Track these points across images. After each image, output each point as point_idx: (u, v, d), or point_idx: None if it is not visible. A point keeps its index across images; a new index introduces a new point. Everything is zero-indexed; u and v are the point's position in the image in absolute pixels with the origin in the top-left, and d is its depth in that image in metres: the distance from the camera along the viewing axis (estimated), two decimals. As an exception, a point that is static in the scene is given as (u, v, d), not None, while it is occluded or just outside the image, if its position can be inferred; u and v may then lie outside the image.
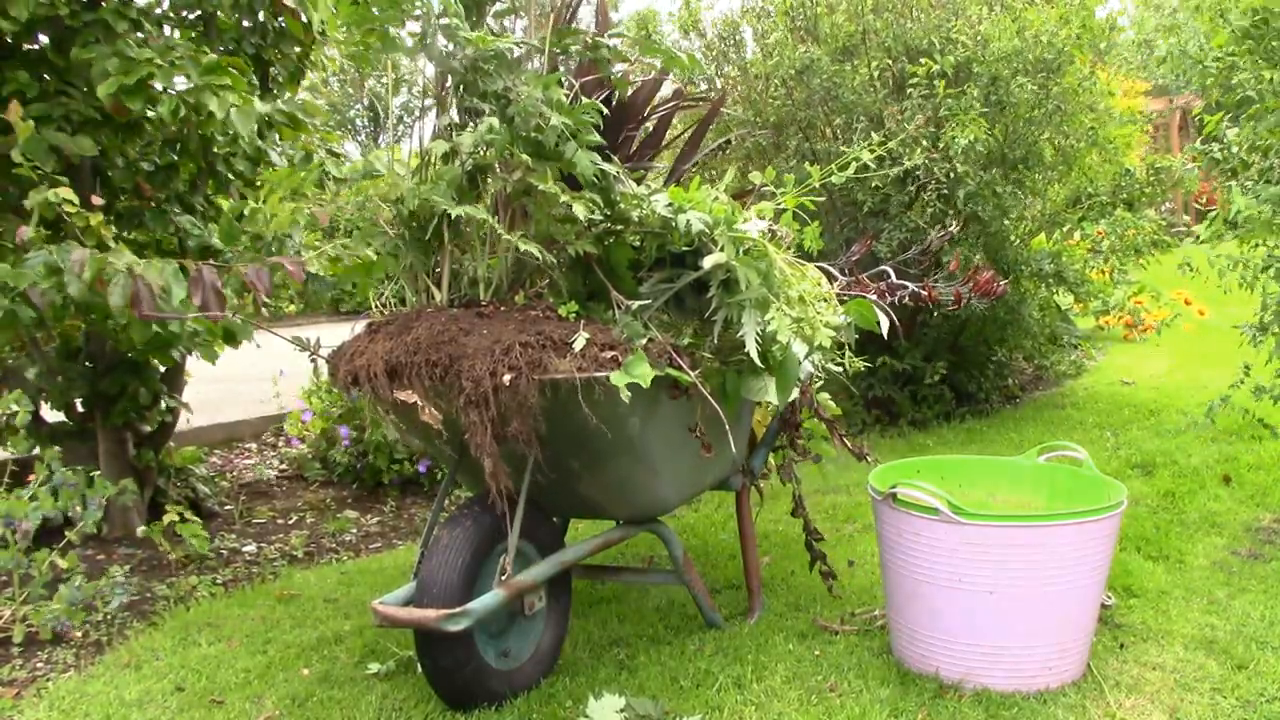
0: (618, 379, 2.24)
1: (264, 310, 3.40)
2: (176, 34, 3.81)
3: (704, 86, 6.21)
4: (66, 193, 2.88)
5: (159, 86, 3.08)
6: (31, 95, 3.31)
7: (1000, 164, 5.27)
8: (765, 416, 3.29)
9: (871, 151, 3.20)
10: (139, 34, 3.42)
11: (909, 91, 5.24)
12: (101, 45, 3.19)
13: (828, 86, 5.45)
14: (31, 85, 3.31)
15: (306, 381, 5.08)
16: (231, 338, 3.73)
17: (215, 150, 3.97)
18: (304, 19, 3.96)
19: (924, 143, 5.03)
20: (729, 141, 5.65)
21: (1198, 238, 4.12)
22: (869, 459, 3.20)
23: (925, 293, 3.29)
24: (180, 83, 3.24)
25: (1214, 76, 3.86)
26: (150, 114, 3.31)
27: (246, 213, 4.03)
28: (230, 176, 4.10)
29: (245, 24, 3.77)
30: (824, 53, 5.51)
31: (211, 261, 2.74)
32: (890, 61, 5.44)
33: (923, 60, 5.13)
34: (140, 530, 3.93)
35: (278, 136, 4.32)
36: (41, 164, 3.18)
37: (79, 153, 3.25)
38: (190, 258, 3.77)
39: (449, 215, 2.51)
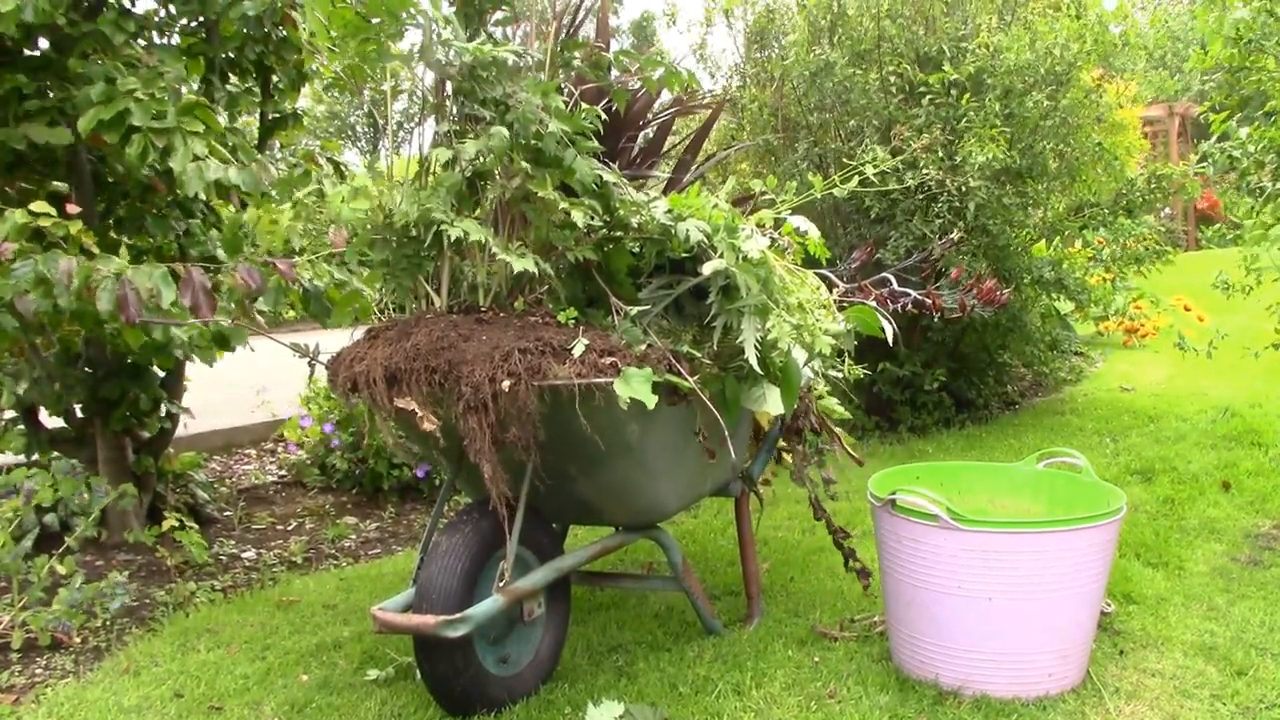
0: (621, 392, 2.24)
1: (259, 318, 3.40)
2: (177, 40, 3.81)
3: (722, 80, 6.23)
4: (41, 206, 2.88)
5: (136, 123, 3.08)
6: (28, 93, 3.32)
7: (1008, 176, 5.28)
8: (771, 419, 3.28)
9: (876, 166, 3.20)
10: (139, 43, 3.43)
11: (922, 101, 5.25)
12: (96, 64, 3.19)
13: (839, 91, 5.46)
14: (28, 86, 3.32)
15: (302, 388, 5.08)
16: (224, 342, 3.73)
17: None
18: (303, 31, 3.97)
19: (938, 152, 5.04)
20: (732, 143, 5.66)
21: (1234, 238, 4.07)
22: (830, 489, 3.22)
23: (929, 300, 3.29)
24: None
25: (1234, 73, 3.82)
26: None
27: (246, 217, 4.04)
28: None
29: (248, 32, 3.78)
30: (840, 55, 5.51)
31: (204, 266, 2.75)
32: (907, 66, 5.46)
33: (943, 68, 5.14)
34: (130, 536, 3.92)
35: (277, 144, 4.33)
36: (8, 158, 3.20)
37: (55, 143, 3.25)
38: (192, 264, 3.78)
39: (451, 224, 2.51)
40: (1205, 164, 4.09)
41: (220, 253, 3.90)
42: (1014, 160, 5.09)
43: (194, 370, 4.35)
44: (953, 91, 5.16)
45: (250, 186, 3.14)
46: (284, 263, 2.74)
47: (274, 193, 3.46)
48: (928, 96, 5.24)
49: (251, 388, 6.06)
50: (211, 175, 3.08)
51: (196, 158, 3.09)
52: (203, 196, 3.36)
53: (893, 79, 5.49)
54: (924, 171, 4.94)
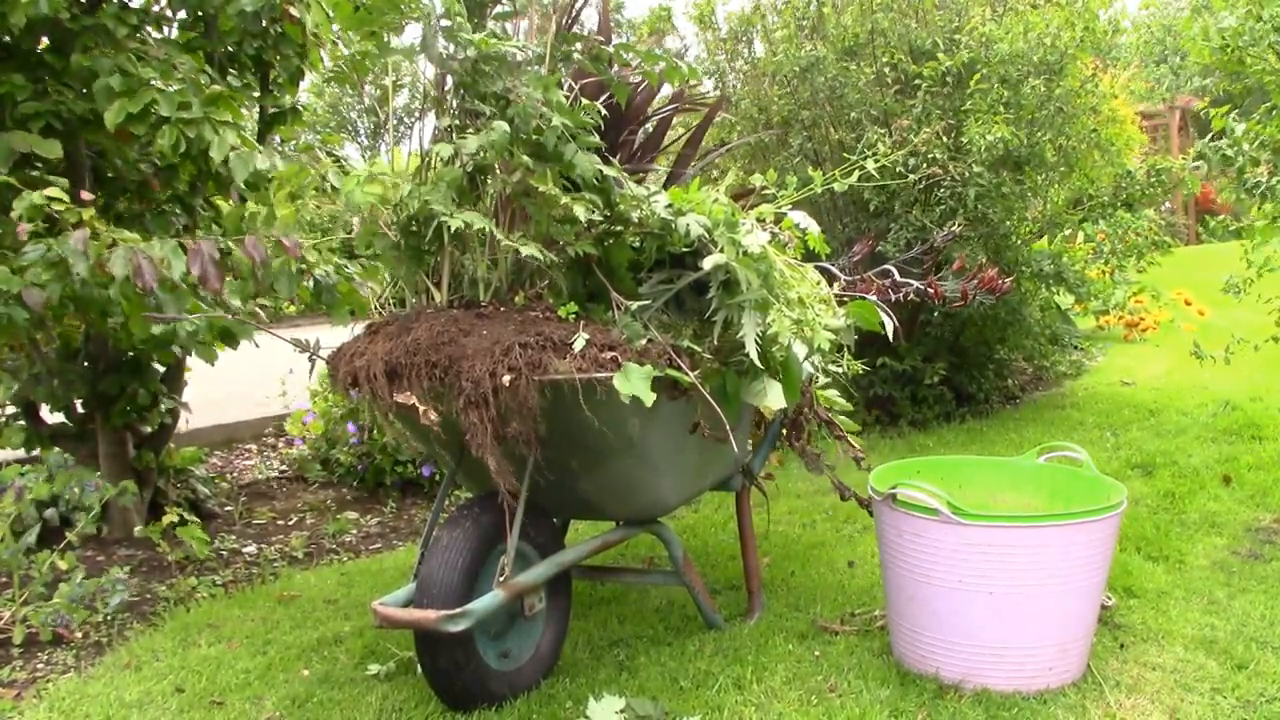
0: (620, 388, 2.24)
1: (260, 311, 3.41)
2: (176, 33, 3.81)
3: (711, 83, 6.22)
4: (54, 191, 2.87)
5: (165, 114, 3.08)
6: (24, 97, 3.31)
7: (1007, 164, 5.28)
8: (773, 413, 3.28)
9: (877, 161, 3.20)
10: (139, 37, 3.42)
11: (917, 92, 5.25)
12: (101, 57, 3.18)
13: (832, 85, 5.46)
14: (25, 87, 3.31)
15: (304, 384, 5.08)
16: (230, 337, 3.73)
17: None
18: (304, 23, 3.96)
19: (943, 139, 5.03)
20: (724, 143, 5.65)
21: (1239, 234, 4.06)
22: (861, 464, 3.22)
23: (931, 290, 3.29)
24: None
25: (1229, 65, 3.80)
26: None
27: (246, 215, 4.03)
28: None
29: (247, 27, 3.77)
30: (829, 51, 5.51)
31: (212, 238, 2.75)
32: (901, 58, 5.45)
33: (936, 58, 5.13)
34: (137, 531, 3.93)
35: (278, 139, 4.33)
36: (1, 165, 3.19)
37: (46, 155, 3.25)
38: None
39: (451, 215, 2.51)
40: (1200, 162, 4.08)
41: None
42: (1020, 141, 5.08)
43: (194, 365, 4.35)
44: (948, 80, 5.14)
45: (294, 173, 3.14)
46: (289, 240, 2.74)
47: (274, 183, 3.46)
48: (923, 87, 5.23)
49: (252, 383, 6.06)
50: (260, 164, 3.09)
51: (233, 147, 3.09)
52: (243, 186, 3.36)
53: (887, 71, 5.48)
54: (930, 156, 4.93)
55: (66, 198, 2.89)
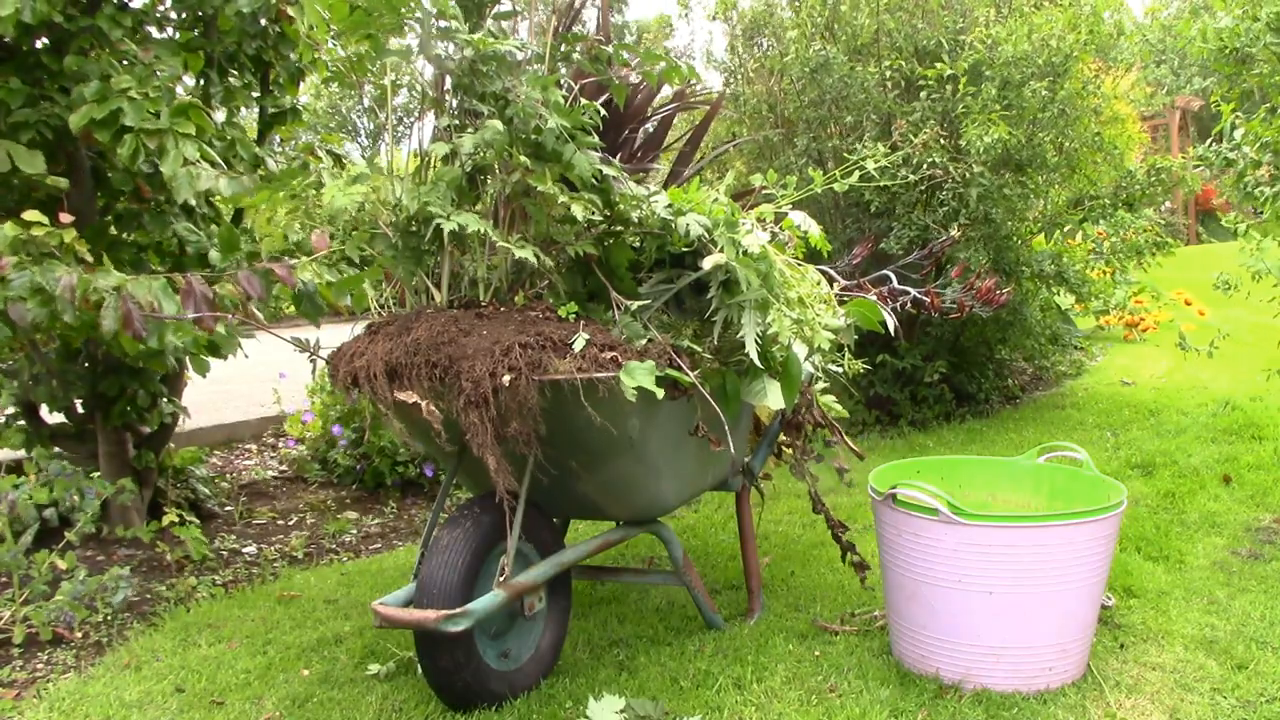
0: (626, 382, 2.24)
1: (258, 316, 3.40)
2: (176, 34, 3.81)
3: (721, 79, 6.24)
4: (34, 215, 2.87)
5: (129, 122, 3.06)
6: (17, 104, 3.30)
7: (1008, 165, 5.28)
8: (771, 414, 3.28)
9: (876, 161, 3.20)
10: (136, 38, 3.42)
11: (920, 94, 5.25)
12: (92, 61, 3.17)
13: (839, 86, 5.46)
14: (18, 93, 3.30)
15: (310, 381, 5.08)
16: (216, 350, 3.72)
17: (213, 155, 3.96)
18: (300, 25, 3.96)
19: (941, 142, 5.04)
20: (733, 138, 5.66)
21: (1238, 234, 4.06)
22: (844, 477, 3.22)
23: (928, 299, 3.29)
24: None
25: (1230, 66, 3.79)
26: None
27: (247, 212, 4.03)
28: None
29: (246, 27, 3.77)
30: (839, 51, 5.51)
31: (202, 273, 2.73)
32: (903, 62, 5.46)
33: (938, 64, 5.14)
34: (129, 531, 3.92)
35: (277, 139, 4.32)
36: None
37: (28, 170, 3.23)
38: (189, 262, 3.76)
39: (448, 218, 2.51)
40: (1201, 165, 4.07)
41: (214, 251, 3.89)
42: (1019, 141, 5.08)
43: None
44: (948, 86, 5.16)
45: (239, 195, 3.12)
46: (282, 267, 2.73)
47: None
48: (924, 91, 5.24)
49: (251, 384, 6.05)
50: (202, 185, 3.07)
51: (187, 161, 3.08)
52: (192, 203, 3.34)
53: (890, 73, 5.49)
54: (929, 160, 4.93)
55: (45, 220, 2.88)
